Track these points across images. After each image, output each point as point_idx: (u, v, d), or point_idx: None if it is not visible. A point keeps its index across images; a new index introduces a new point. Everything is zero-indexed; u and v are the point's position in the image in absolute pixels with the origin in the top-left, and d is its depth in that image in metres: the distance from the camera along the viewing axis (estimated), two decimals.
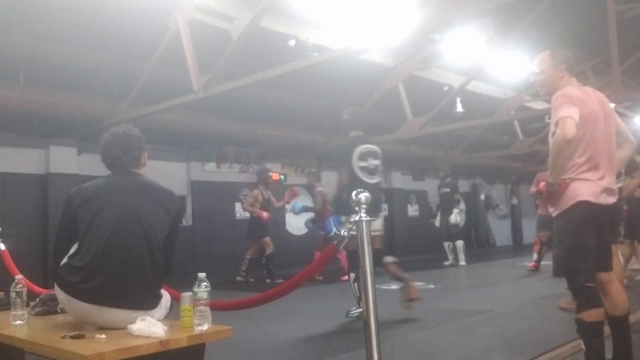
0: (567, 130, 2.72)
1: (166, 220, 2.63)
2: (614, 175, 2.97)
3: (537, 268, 8.93)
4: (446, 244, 10.91)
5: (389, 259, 5.19)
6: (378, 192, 5.25)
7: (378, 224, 5.08)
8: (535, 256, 9.10)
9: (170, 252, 2.67)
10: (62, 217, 2.66)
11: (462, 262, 10.67)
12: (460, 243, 10.82)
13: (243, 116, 10.25)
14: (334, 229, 8.27)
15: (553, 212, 2.96)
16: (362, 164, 5.15)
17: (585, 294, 2.83)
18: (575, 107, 2.79)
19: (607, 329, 2.94)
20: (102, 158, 2.75)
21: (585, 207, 2.81)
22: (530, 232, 19.91)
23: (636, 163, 6.46)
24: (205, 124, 9.72)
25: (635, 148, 3.15)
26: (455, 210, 10.46)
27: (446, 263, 10.77)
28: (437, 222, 11.09)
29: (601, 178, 2.86)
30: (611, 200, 2.89)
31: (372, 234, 5.24)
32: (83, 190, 2.64)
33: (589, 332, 2.79)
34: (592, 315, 2.78)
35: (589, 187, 2.83)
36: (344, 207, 5.03)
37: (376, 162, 5.25)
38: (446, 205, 10.69)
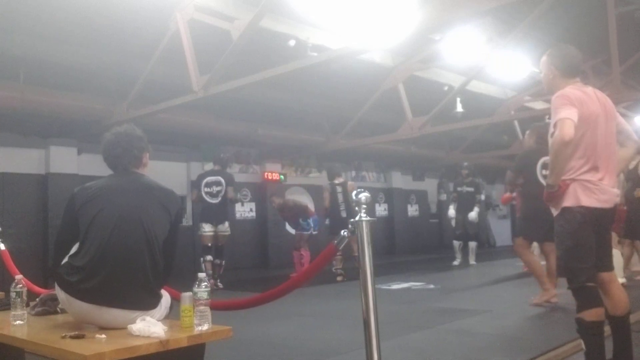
0: (566, 132, 2.71)
1: (167, 221, 2.64)
2: (614, 176, 2.97)
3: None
4: (456, 243, 10.67)
5: (209, 258, 7.89)
6: (221, 208, 8.01)
7: (226, 226, 7.98)
8: None
9: (171, 253, 2.67)
10: (64, 217, 2.66)
11: (472, 262, 10.47)
12: (473, 244, 10.56)
13: (243, 116, 10.25)
14: (312, 229, 9.44)
15: (554, 212, 2.97)
16: (207, 189, 8.01)
17: (586, 293, 2.83)
18: (574, 108, 2.78)
19: (607, 329, 2.95)
20: (103, 157, 2.75)
21: (586, 209, 2.82)
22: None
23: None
24: (205, 124, 9.71)
25: (637, 147, 3.14)
26: (476, 209, 10.24)
27: (455, 263, 10.52)
28: (453, 222, 10.78)
29: (601, 179, 2.85)
30: (611, 202, 2.89)
31: (222, 233, 7.98)
32: (85, 190, 2.64)
33: (589, 332, 2.79)
34: (592, 314, 2.78)
35: (588, 192, 2.82)
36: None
37: (219, 188, 7.97)
38: (467, 204, 10.34)
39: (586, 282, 2.82)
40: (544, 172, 5.55)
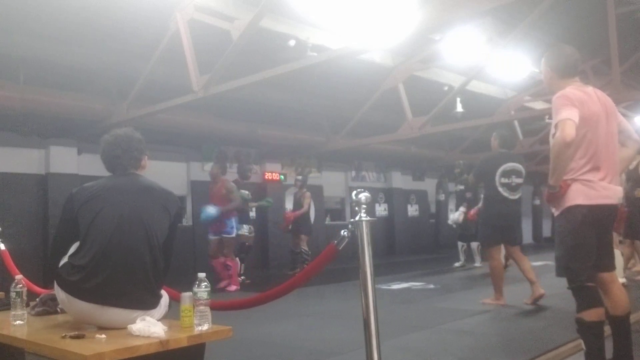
0: (567, 133, 2.70)
1: (167, 221, 2.64)
2: (616, 175, 2.96)
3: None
4: (460, 244, 10.47)
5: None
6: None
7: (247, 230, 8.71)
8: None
9: (169, 252, 2.68)
10: (63, 217, 2.66)
11: (478, 264, 10.06)
12: (475, 245, 10.15)
13: (243, 116, 10.24)
14: (235, 230, 8.19)
15: (554, 212, 2.96)
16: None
17: (586, 293, 2.83)
18: (575, 108, 2.77)
19: (607, 329, 2.94)
20: (102, 159, 2.76)
21: (586, 209, 2.81)
22: (529, 232, 19.93)
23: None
24: (205, 124, 9.71)
25: (638, 147, 3.13)
26: (462, 209, 9.82)
27: (456, 264, 10.36)
28: (450, 221, 10.58)
29: (602, 179, 2.85)
30: (614, 197, 2.89)
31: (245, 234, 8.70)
32: (84, 190, 2.64)
33: (589, 332, 2.79)
34: (592, 315, 2.78)
35: (590, 189, 2.82)
36: None
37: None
38: (461, 203, 10.10)
39: (586, 282, 2.82)
40: (502, 180, 5.58)
